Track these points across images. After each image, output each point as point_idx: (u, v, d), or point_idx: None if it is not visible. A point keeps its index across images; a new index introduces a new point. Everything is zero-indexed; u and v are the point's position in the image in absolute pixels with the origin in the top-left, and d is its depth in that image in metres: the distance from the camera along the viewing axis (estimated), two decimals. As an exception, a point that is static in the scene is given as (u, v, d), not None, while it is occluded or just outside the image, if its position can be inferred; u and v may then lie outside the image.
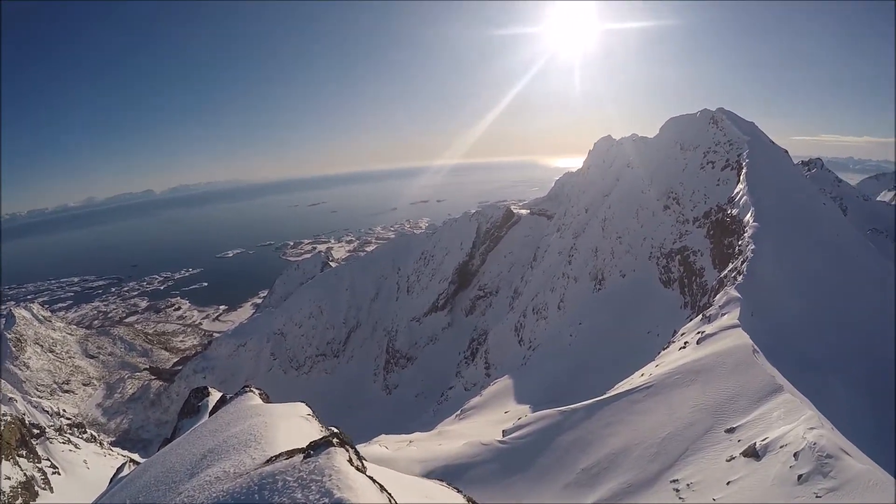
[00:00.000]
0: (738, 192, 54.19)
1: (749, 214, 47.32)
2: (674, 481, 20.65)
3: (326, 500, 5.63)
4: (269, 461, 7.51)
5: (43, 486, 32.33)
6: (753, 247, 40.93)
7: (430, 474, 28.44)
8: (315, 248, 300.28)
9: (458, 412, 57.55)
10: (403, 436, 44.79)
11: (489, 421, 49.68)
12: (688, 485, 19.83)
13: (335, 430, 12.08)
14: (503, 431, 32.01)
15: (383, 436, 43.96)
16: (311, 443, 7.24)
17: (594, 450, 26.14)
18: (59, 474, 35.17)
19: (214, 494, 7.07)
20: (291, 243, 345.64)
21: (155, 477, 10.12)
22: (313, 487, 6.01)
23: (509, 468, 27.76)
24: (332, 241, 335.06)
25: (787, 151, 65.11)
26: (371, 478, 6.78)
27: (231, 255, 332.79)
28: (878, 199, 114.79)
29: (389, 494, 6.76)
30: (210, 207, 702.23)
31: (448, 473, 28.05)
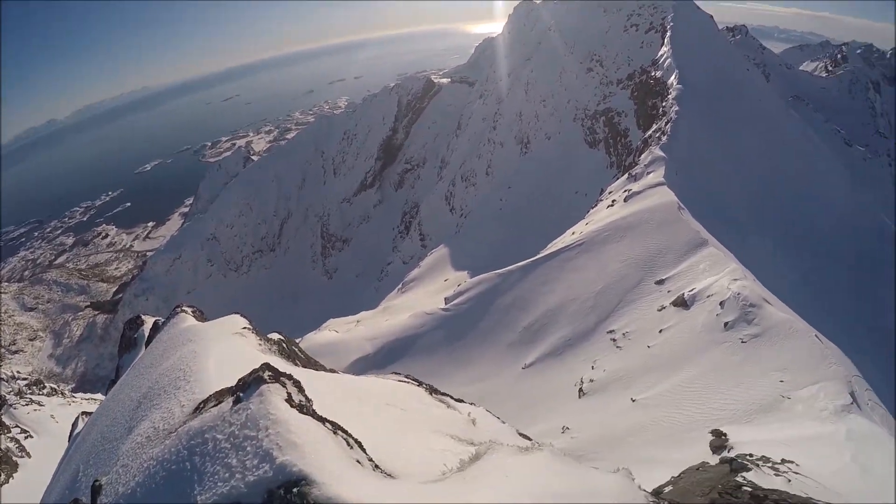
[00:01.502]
0: (662, 55, 54.55)
1: (673, 77, 47.98)
2: (610, 332, 22.24)
3: (267, 466, 4.27)
4: (198, 409, 6.27)
5: (20, 454, 31.74)
6: (677, 108, 41.77)
7: (380, 350, 29.62)
8: (234, 145, 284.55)
9: (400, 286, 58.78)
10: (351, 317, 45.76)
11: (430, 291, 51.06)
12: (623, 334, 21.40)
13: (276, 338, 11.59)
14: (445, 299, 33.08)
15: (331, 320, 44.83)
16: (239, 381, 5.71)
17: (533, 308, 27.56)
18: (31, 437, 34.56)
19: (146, 464, 5.73)
20: (210, 144, 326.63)
21: (101, 433, 9.04)
22: (248, 448, 4.59)
23: (455, 333, 29.02)
24: (251, 135, 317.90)
25: (712, 17, 65.12)
26: (320, 417, 5.31)
27: (149, 168, 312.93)
28: (801, 68, 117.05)
29: (345, 433, 5.31)
30: (120, 122, 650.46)
31: (398, 346, 29.30)
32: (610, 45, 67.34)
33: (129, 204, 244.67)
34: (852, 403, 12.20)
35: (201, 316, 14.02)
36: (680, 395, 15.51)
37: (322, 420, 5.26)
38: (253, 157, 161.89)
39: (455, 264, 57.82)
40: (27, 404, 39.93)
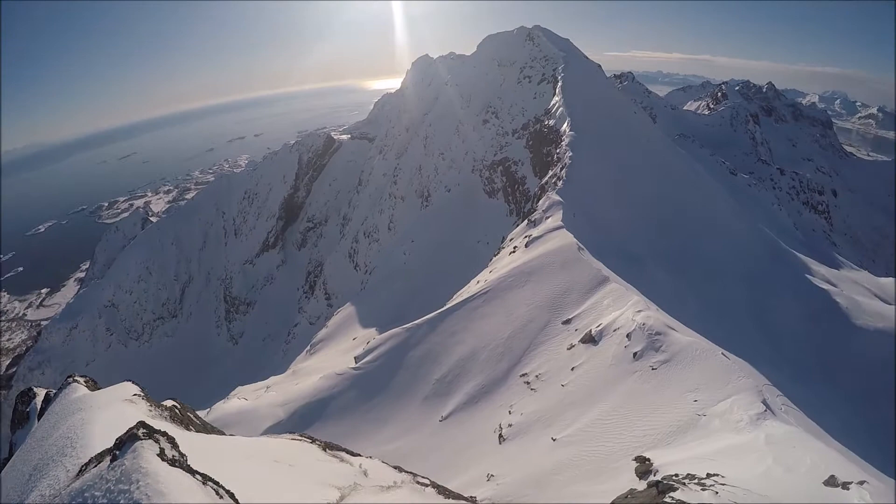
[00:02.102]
0: (554, 104, 56.76)
1: (565, 124, 49.87)
2: (523, 375, 22.03)
3: None
4: (81, 472, 6.58)
5: None
6: (571, 154, 43.32)
7: (293, 415, 28.27)
8: (132, 205, 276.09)
9: (308, 348, 57.08)
10: (260, 383, 43.89)
11: (339, 350, 49.84)
12: (536, 376, 21.22)
13: (170, 405, 11.33)
14: (355, 358, 32.16)
15: (240, 387, 42.77)
16: (116, 440, 6.16)
17: (444, 359, 27.07)
18: None
19: None
20: (106, 204, 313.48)
21: None
22: (121, 501, 5.08)
23: (368, 392, 28.08)
24: (150, 194, 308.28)
25: (600, 66, 68.79)
26: (192, 470, 5.80)
27: (43, 229, 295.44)
28: (685, 108, 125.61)
29: (216, 484, 5.81)
30: (10, 180, 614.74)
31: (311, 409, 28.03)
32: (505, 97, 69.65)
33: (21, 268, 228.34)
34: (766, 411, 12.55)
35: (94, 385, 13.88)
36: (600, 429, 15.39)
37: (193, 472, 5.66)
38: (151, 219, 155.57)
39: (363, 322, 56.74)
40: None
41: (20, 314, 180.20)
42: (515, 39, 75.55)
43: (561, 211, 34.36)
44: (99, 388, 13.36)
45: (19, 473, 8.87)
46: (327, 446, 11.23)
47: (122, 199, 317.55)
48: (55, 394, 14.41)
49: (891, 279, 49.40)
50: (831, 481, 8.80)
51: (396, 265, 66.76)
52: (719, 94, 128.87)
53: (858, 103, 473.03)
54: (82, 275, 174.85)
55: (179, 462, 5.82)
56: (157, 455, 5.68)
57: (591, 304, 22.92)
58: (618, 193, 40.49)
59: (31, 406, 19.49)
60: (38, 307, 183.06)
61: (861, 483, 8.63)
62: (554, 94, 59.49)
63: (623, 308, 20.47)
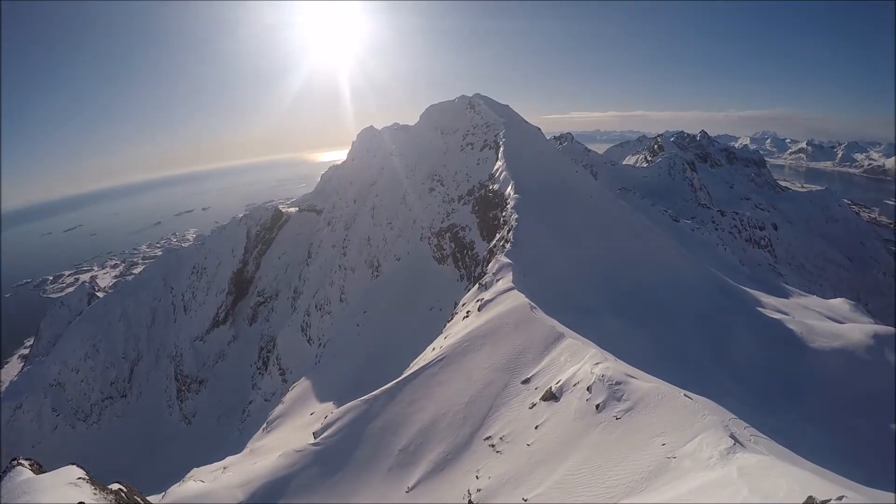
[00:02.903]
0: (497, 169, 58.17)
1: (509, 188, 51.03)
2: (487, 438, 21.80)
3: None
4: None
5: None
6: (516, 216, 44.25)
7: (254, 496, 27.28)
8: (78, 280, 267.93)
9: (265, 425, 55.57)
10: (216, 464, 42.25)
11: (297, 426, 48.76)
12: (501, 438, 21.02)
13: (115, 488, 11.10)
14: (314, 433, 31.39)
15: (195, 469, 41.08)
16: None
17: (406, 429, 26.62)
18: None
19: None
20: (51, 278, 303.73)
21: None
22: None
23: (330, 468, 27.33)
24: (96, 268, 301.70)
25: (539, 129, 71.31)
26: None
27: None
28: (624, 163, 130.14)
29: None
30: None
31: (272, 490, 27.08)
32: (449, 164, 71.13)
33: None
34: (735, 444, 12.64)
35: (39, 469, 13.60)
36: (570, 484, 15.24)
37: None
38: (98, 294, 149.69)
39: (320, 396, 55.67)
40: None
41: None
42: (457, 108, 77.80)
43: (511, 272, 34.77)
44: (44, 472, 13.16)
45: None
46: None
47: (67, 272, 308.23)
48: None
49: (839, 299, 51.43)
50: (810, 502, 8.86)
51: (350, 337, 66.09)
52: (655, 146, 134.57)
53: (788, 140, 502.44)
54: (26, 351, 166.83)
55: None
56: None
57: (548, 362, 23.04)
58: (566, 250, 41.32)
59: None
60: None
61: (840, 499, 8.74)
62: (497, 159, 61.09)
63: (581, 362, 20.64)
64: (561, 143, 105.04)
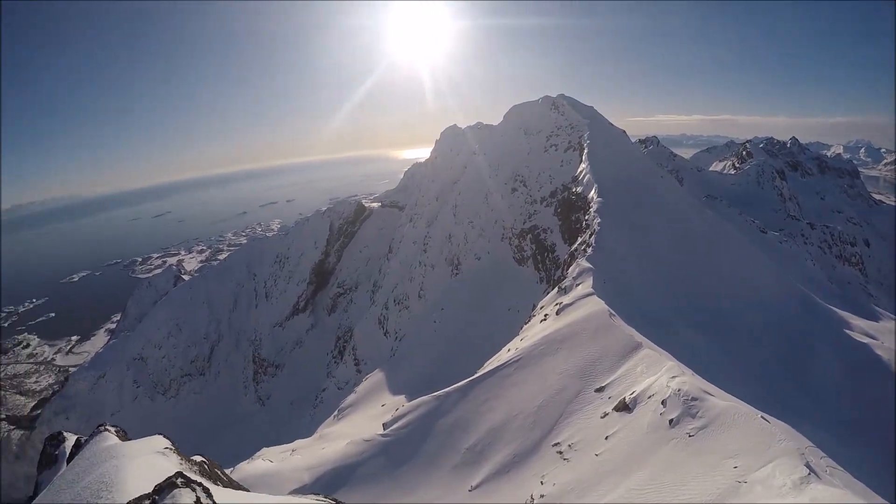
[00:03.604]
0: (581, 172, 57.34)
1: (593, 191, 50.23)
2: (555, 444, 21.62)
3: None
4: None
5: None
6: (599, 220, 43.48)
7: (319, 480, 28.01)
8: (165, 262, 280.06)
9: (336, 413, 56.76)
10: (285, 446, 43.53)
11: (368, 416, 49.50)
12: (570, 445, 20.80)
13: (199, 460, 11.55)
14: (383, 425, 31.89)
15: (265, 449, 42.50)
16: (155, 487, 6.67)
17: (475, 428, 26.72)
18: None
19: None
20: (140, 259, 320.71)
21: None
22: None
23: (396, 460, 27.72)
24: (183, 253, 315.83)
25: (624, 131, 69.77)
26: None
27: (77, 278, 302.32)
28: (711, 169, 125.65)
29: None
30: (48, 228, 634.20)
31: (337, 476, 27.73)
32: (532, 165, 70.60)
33: (53, 314, 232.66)
34: (810, 474, 12.05)
35: (124, 436, 14.29)
36: (636, 499, 14.89)
37: None
38: (184, 276, 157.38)
39: (392, 389, 56.50)
40: None
41: (49, 358, 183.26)
42: (541, 109, 77.12)
43: (591, 278, 34.27)
44: (128, 439, 13.71)
45: None
46: None
47: (155, 255, 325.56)
48: (86, 440, 15.07)
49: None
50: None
51: (426, 333, 66.69)
52: (744, 152, 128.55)
53: (883, 150, 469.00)
54: (113, 326, 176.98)
55: None
56: (195, 502, 6.09)
57: (624, 371, 22.61)
58: (647, 258, 40.42)
59: (60, 450, 20.60)
60: (66, 353, 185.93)
61: None
62: (580, 161, 60.18)
63: (657, 374, 20.14)
64: (646, 147, 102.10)
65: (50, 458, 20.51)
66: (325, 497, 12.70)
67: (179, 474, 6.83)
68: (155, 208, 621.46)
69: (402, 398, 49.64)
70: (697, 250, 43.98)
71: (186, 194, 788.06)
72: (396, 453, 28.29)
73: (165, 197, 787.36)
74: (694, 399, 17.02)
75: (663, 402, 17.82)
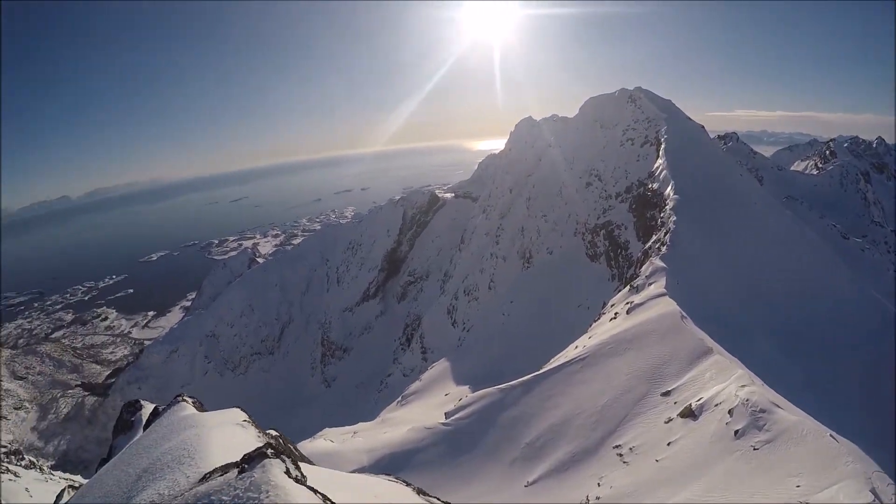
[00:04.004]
0: (657, 167, 55.92)
1: (669, 188, 48.95)
2: (617, 446, 21.30)
3: None
4: (204, 479, 7.19)
5: None
6: (675, 218, 42.36)
7: (377, 463, 28.51)
8: (241, 245, 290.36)
9: (400, 398, 57.49)
10: (347, 427, 44.38)
11: (430, 405, 49.88)
12: (630, 448, 20.48)
13: (274, 434, 11.92)
14: (445, 414, 32.16)
15: (327, 429, 43.48)
16: (245, 455, 6.83)
17: (536, 423, 26.63)
18: None
19: None
20: (216, 241, 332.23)
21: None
22: None
23: (455, 449, 27.94)
24: (258, 237, 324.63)
25: (703, 126, 67.45)
26: (313, 489, 6.40)
27: (155, 258, 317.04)
28: (792, 168, 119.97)
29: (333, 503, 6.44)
30: (130, 210, 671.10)
31: (396, 460, 28.15)
32: (608, 159, 69.28)
33: (131, 290, 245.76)
34: (874, 501, 11.54)
35: (201, 407, 14.73)
36: (694, 510, 14.60)
37: (314, 490, 6.35)
38: (258, 259, 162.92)
39: (457, 378, 56.77)
40: (3, 472, 38.34)
41: (125, 331, 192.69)
42: (617, 101, 75.38)
43: (664, 277, 33.52)
44: (204, 410, 14.21)
45: (124, 474, 9.65)
46: (420, 491, 11.46)
47: (231, 238, 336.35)
48: (164, 409, 15.48)
49: None
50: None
51: (495, 325, 66.75)
52: (827, 152, 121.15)
53: None
54: (188, 303, 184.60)
55: (301, 481, 6.43)
56: (284, 473, 6.23)
57: (692, 376, 22.01)
58: (722, 260, 39.14)
59: (137, 416, 21.82)
60: (142, 327, 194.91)
61: None
62: (657, 157, 58.63)
63: (726, 382, 19.48)
64: (725, 144, 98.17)
65: (126, 423, 21.64)
66: (390, 475, 13.09)
67: (269, 445, 7.15)
68: (233, 193, 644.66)
69: (465, 388, 49.81)
70: (775, 255, 42.17)
71: (263, 181, 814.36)
72: (456, 443, 28.51)
73: (243, 183, 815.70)
74: (762, 411, 16.41)
75: (730, 412, 17.27)
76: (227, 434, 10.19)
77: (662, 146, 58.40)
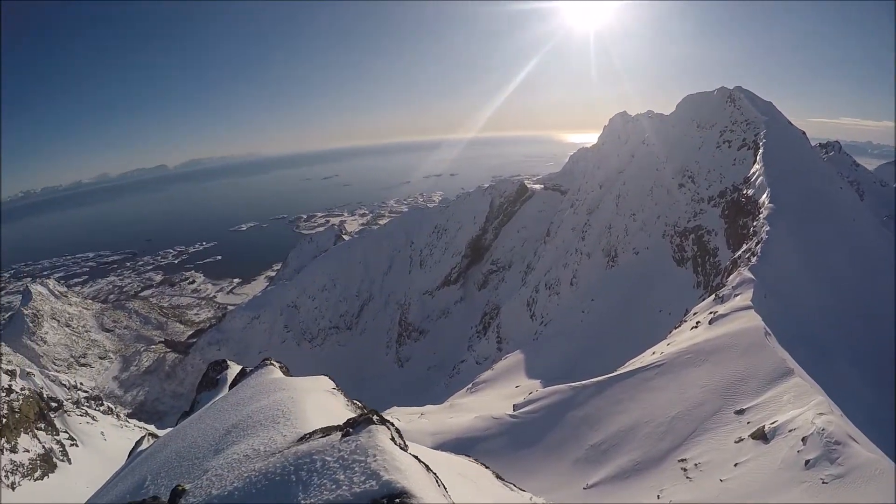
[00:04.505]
0: (754, 173, 53.70)
1: (765, 196, 46.95)
2: (682, 460, 20.85)
3: (374, 482, 5.31)
4: (303, 439, 7.36)
5: (61, 457, 33.03)
6: (768, 228, 40.66)
7: (441, 447, 28.86)
8: (328, 222, 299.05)
9: (470, 385, 58.00)
10: (415, 408, 45.24)
11: (500, 395, 50.06)
12: (696, 464, 20.03)
13: (359, 404, 12.39)
14: (514, 406, 32.30)
15: (395, 408, 44.42)
16: (349, 419, 6.99)
17: (604, 426, 26.40)
18: (77, 446, 35.82)
19: (245, 474, 6.82)
20: (305, 216, 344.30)
21: (177, 452, 10.32)
22: (357, 468, 5.70)
23: (519, 442, 28.07)
24: (346, 215, 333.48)
25: (804, 133, 64.14)
26: (416, 457, 6.53)
27: (245, 228, 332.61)
28: None
29: (436, 475, 6.61)
30: (223, 181, 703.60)
31: (459, 446, 28.45)
32: (702, 161, 66.95)
33: (219, 257, 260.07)
34: None
35: (287, 372, 15.45)
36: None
37: (417, 459, 6.54)
38: (344, 236, 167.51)
39: (529, 372, 56.75)
40: (82, 415, 41.17)
41: (211, 295, 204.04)
42: (716, 101, 72.48)
43: (752, 290, 32.24)
44: (290, 376, 14.80)
45: (210, 428, 10.34)
46: (497, 475, 11.61)
47: (319, 214, 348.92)
48: (251, 370, 16.36)
49: None
50: None
51: (573, 322, 66.25)
52: None
53: None
54: (273, 274, 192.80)
55: (405, 449, 6.82)
56: (390, 440, 6.49)
57: (769, 397, 21.19)
58: (815, 277, 37.32)
59: (223, 375, 22.82)
60: (227, 293, 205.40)
61: None
62: (754, 162, 56.24)
63: (804, 407, 18.63)
64: (826, 153, 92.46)
65: (211, 381, 22.97)
66: (469, 456, 13.53)
67: (374, 411, 7.58)
68: (325, 171, 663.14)
69: (537, 382, 49.77)
70: (871, 277, 39.93)
71: (355, 160, 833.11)
72: (521, 436, 28.62)
73: (336, 161, 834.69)
74: (837, 443, 15.68)
75: (804, 440, 16.58)
76: (319, 399, 10.59)
77: (760, 151, 55.89)
